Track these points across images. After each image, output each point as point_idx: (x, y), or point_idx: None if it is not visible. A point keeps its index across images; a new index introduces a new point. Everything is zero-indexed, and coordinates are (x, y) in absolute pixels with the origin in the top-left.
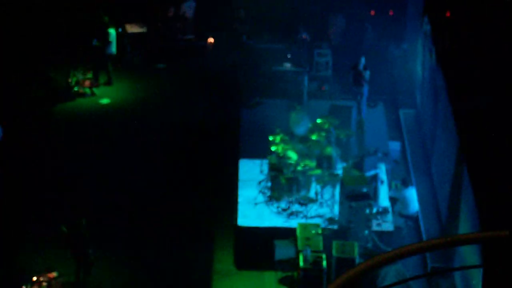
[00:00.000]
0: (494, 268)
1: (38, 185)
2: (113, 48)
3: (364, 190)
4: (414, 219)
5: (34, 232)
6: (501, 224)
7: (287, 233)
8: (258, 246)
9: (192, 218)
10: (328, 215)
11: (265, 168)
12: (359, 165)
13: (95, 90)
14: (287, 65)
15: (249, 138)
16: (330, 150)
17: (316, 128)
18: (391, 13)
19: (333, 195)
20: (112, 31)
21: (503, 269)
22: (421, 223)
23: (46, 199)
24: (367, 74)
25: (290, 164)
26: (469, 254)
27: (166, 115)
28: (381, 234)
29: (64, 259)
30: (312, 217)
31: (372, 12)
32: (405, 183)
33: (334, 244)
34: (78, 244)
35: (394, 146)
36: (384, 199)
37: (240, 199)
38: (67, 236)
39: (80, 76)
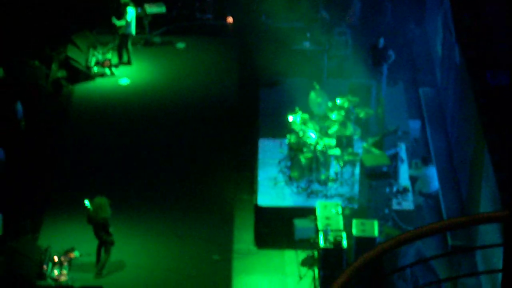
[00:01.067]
0: None
1: (59, 166)
2: (133, 28)
3: (384, 169)
4: (434, 197)
5: (56, 211)
6: None
7: (307, 213)
8: (278, 225)
9: (212, 197)
10: (348, 194)
11: (285, 148)
12: (379, 144)
13: (114, 70)
14: (306, 44)
15: (269, 118)
16: (349, 129)
17: (336, 107)
18: None
19: (353, 174)
20: (131, 11)
21: None
22: (442, 202)
23: (67, 180)
24: (391, 54)
25: (310, 143)
26: (490, 233)
27: (185, 95)
28: (401, 213)
29: (85, 238)
30: (332, 196)
31: None
32: (425, 162)
33: (354, 223)
34: (100, 222)
35: (414, 124)
36: (404, 178)
37: (260, 179)
38: (91, 213)
39: (100, 57)
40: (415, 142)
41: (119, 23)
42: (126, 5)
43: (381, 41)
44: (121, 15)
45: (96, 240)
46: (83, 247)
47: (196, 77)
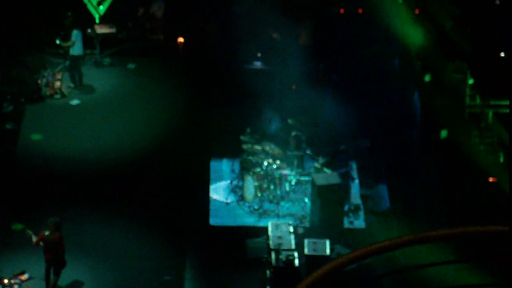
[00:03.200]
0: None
1: (10, 187)
2: (81, 50)
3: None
4: (385, 215)
5: (3, 233)
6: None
7: (259, 232)
8: (230, 245)
9: (163, 217)
10: (300, 214)
11: (237, 167)
12: (330, 164)
13: (65, 91)
14: (258, 64)
15: (221, 138)
16: (301, 149)
17: (287, 127)
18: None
19: (304, 194)
20: (76, 32)
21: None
22: (393, 220)
23: (19, 200)
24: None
25: (262, 163)
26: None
27: (136, 115)
28: (353, 232)
29: (35, 261)
30: (284, 216)
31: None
32: (376, 180)
33: (306, 242)
34: (49, 245)
35: (365, 143)
36: (355, 197)
37: (211, 199)
38: (40, 237)
39: (50, 78)
40: (366, 160)
41: (64, 44)
42: (72, 26)
43: (322, 65)
44: (67, 36)
45: (44, 263)
46: (34, 271)
47: (147, 97)
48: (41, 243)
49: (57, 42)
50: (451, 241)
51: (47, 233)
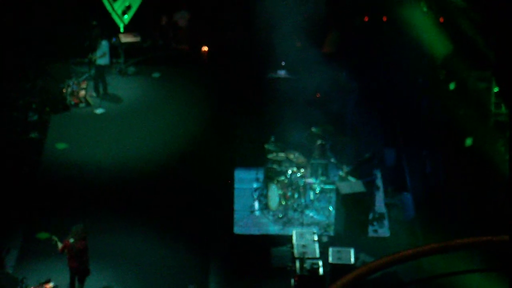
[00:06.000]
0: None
1: (32, 195)
2: (107, 59)
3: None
4: (410, 224)
5: (29, 242)
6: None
7: (284, 241)
8: (255, 253)
9: (188, 226)
10: (324, 222)
11: (261, 176)
12: (355, 172)
13: (90, 100)
14: (281, 73)
15: (245, 146)
16: (325, 158)
17: (312, 135)
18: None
19: (329, 202)
20: (105, 42)
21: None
22: (418, 228)
23: (44, 208)
24: (354, 86)
25: (286, 171)
26: None
27: (160, 124)
28: (378, 240)
29: (60, 269)
30: (308, 224)
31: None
32: (401, 189)
33: (331, 250)
34: (74, 253)
35: (390, 152)
36: (380, 205)
37: (236, 207)
38: (64, 244)
39: (75, 87)
40: (391, 169)
41: (94, 56)
42: (99, 37)
43: (344, 74)
44: (95, 47)
45: (69, 271)
46: (58, 279)
47: (171, 106)
48: (65, 250)
49: (89, 57)
50: (477, 249)
51: (71, 240)
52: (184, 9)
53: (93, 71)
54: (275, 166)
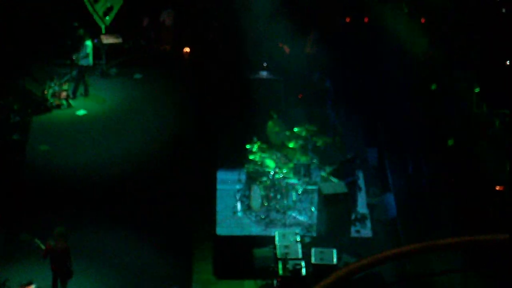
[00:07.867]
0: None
1: (15, 196)
2: (90, 60)
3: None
4: (392, 225)
5: (11, 243)
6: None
7: (266, 241)
8: (238, 254)
9: (170, 228)
10: (307, 223)
11: (243, 177)
12: (337, 173)
13: (71, 101)
14: (264, 73)
15: (227, 147)
16: (307, 158)
17: (294, 136)
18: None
19: (311, 203)
20: (88, 43)
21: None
22: (400, 229)
23: (26, 210)
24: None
25: (268, 172)
26: None
27: (142, 125)
28: (360, 241)
29: (42, 271)
30: (291, 225)
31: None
32: (383, 189)
33: (313, 251)
34: (56, 255)
35: (372, 152)
36: (362, 206)
37: (218, 209)
38: (47, 249)
39: (56, 88)
40: (373, 169)
41: (78, 56)
42: (83, 37)
43: (317, 74)
44: (79, 48)
45: (51, 274)
46: (41, 281)
47: (153, 107)
48: (48, 255)
49: (73, 57)
50: (459, 249)
51: (52, 243)
52: (169, 7)
53: (74, 72)
54: (257, 167)
